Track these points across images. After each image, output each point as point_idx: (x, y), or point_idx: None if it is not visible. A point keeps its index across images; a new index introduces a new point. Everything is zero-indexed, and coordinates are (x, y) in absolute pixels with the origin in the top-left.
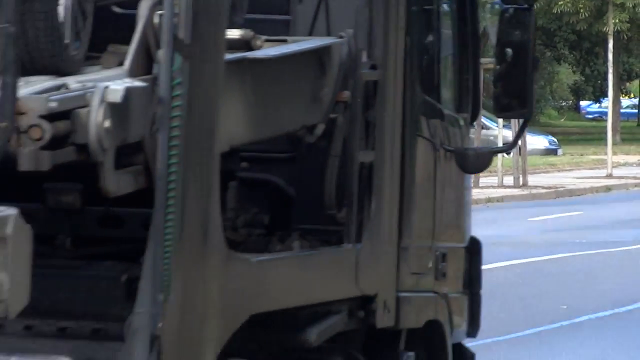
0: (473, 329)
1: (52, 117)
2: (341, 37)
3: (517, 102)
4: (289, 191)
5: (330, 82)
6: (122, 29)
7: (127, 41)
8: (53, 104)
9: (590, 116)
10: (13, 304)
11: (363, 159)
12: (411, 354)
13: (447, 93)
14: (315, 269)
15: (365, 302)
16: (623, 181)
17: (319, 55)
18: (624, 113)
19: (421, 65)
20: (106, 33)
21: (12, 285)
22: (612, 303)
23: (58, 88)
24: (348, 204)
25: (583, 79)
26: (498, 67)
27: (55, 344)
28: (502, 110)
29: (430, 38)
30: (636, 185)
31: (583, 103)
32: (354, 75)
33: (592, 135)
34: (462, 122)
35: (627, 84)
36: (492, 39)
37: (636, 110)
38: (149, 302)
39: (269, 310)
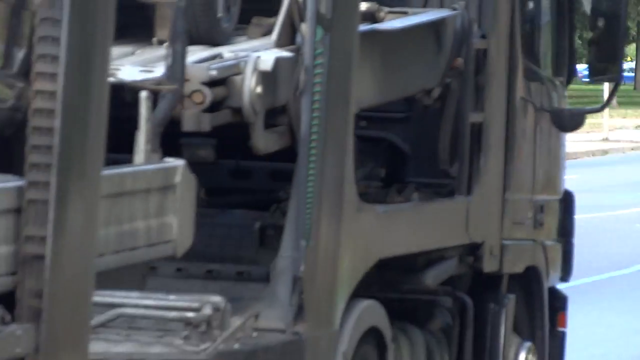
0: (566, 274)
1: (211, 83)
2: (454, 9)
3: (609, 66)
4: (404, 148)
5: (445, 50)
6: (264, 2)
7: (268, 14)
8: (213, 72)
9: (586, 79)
10: (180, 244)
11: (473, 120)
12: (512, 296)
13: (545, 58)
14: (431, 218)
15: (474, 249)
16: (620, 145)
17: (436, 27)
18: None
19: (524, 34)
20: (250, 6)
21: (180, 227)
22: (608, 266)
23: (214, 57)
24: (460, 160)
25: (580, 42)
26: (592, 34)
27: (204, 285)
28: (595, 74)
29: (531, 8)
30: (633, 148)
31: (579, 67)
32: (466, 44)
33: (589, 99)
34: (558, 85)
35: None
36: (587, 8)
37: (633, 74)
38: (292, 248)
39: (393, 255)
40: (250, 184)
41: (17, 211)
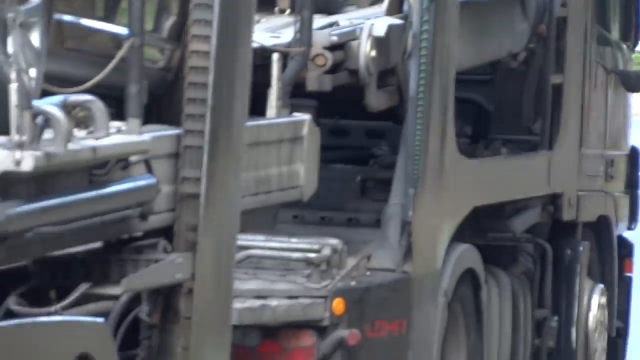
0: (632, 223)
1: (332, 48)
2: None
3: None
4: (488, 107)
5: (530, 18)
6: None
7: None
8: (334, 38)
9: None
10: (306, 190)
11: (554, 81)
12: (586, 243)
13: (614, 24)
14: (518, 171)
15: (554, 199)
16: None
17: None
18: None
19: (596, 2)
20: None
21: (306, 174)
22: None
23: (331, 25)
24: (543, 118)
25: None
26: None
27: (319, 230)
28: None
29: None
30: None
31: None
32: (548, 12)
33: None
34: (625, 49)
35: None
36: None
37: None
38: (401, 195)
39: (486, 204)
40: (347, 141)
41: (175, 156)
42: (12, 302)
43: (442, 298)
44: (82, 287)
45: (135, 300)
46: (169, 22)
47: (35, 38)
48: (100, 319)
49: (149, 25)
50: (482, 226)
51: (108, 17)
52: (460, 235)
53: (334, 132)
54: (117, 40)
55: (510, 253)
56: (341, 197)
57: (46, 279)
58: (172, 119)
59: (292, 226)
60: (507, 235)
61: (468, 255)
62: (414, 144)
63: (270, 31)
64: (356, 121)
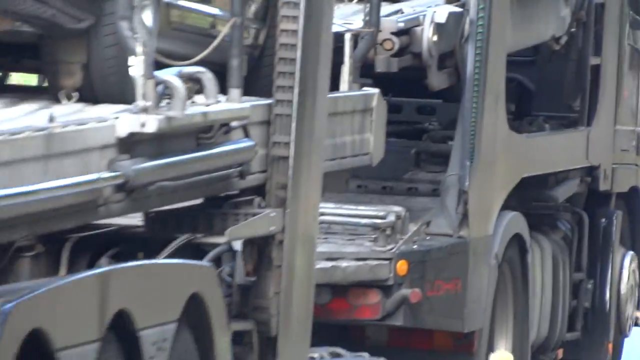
0: None
1: (398, 33)
2: None
3: None
4: (530, 86)
5: (571, 5)
6: None
7: None
8: (401, 24)
9: None
10: (375, 156)
11: (592, 62)
12: (619, 212)
13: None
14: (560, 145)
15: (591, 171)
16: None
17: None
18: None
19: None
20: None
21: (375, 142)
22: None
23: (396, 12)
24: (582, 96)
25: None
26: None
27: (381, 199)
28: None
29: None
30: None
31: None
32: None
33: None
34: None
35: None
36: None
37: None
38: (458, 167)
39: (532, 174)
40: (400, 117)
41: (267, 123)
42: (104, 264)
43: (493, 260)
44: (183, 238)
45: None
46: (255, 4)
47: (148, 18)
48: (208, 263)
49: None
50: (527, 196)
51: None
52: (508, 203)
53: (388, 109)
54: (213, 20)
55: (551, 220)
56: (398, 168)
57: (157, 231)
58: (258, 92)
59: (356, 195)
60: (549, 204)
61: (516, 222)
62: (470, 120)
63: (342, 18)
64: (408, 99)
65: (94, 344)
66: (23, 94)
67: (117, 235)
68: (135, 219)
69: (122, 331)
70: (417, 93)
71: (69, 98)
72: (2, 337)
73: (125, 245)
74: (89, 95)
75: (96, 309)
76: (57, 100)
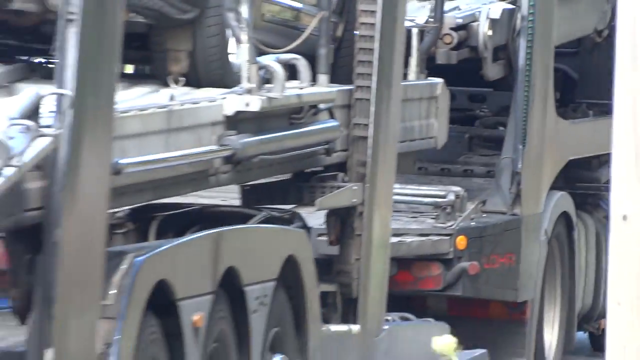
0: None
1: (457, 28)
2: None
3: None
4: (574, 76)
5: (612, 0)
6: None
7: None
8: (459, 20)
9: None
10: (439, 140)
11: None
12: None
13: None
14: (602, 130)
15: None
16: None
17: None
18: None
19: None
20: None
21: (439, 127)
22: None
23: (454, 9)
24: None
25: None
26: None
27: (440, 179)
28: None
29: None
30: None
31: None
32: None
33: None
34: None
35: None
36: None
37: None
38: (512, 150)
39: (577, 157)
40: (453, 104)
41: (349, 106)
42: None
43: (543, 236)
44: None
45: None
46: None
47: (245, 11)
48: (302, 230)
49: (312, 1)
50: (573, 177)
51: None
52: (556, 184)
53: None
54: (297, 13)
55: (595, 200)
56: (452, 152)
57: (253, 201)
58: (335, 80)
59: (417, 176)
60: (593, 185)
61: (563, 201)
62: (522, 108)
63: (407, 14)
64: (460, 87)
65: (209, 295)
66: (128, 79)
67: (200, 213)
68: (216, 199)
69: (230, 286)
70: (469, 82)
71: (176, 82)
72: (134, 285)
73: (206, 223)
74: (194, 79)
75: (210, 265)
76: (165, 85)
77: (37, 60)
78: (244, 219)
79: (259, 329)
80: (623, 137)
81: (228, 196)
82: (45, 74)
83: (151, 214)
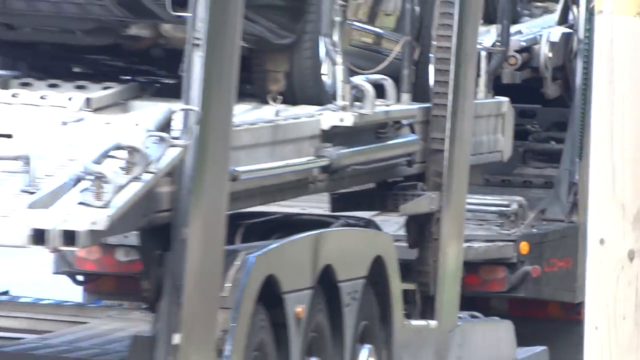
0: None
1: (520, 50)
2: None
3: None
4: None
5: None
6: None
7: None
8: (523, 43)
9: None
10: (505, 154)
11: None
12: None
13: None
14: None
15: None
16: None
17: None
18: None
19: None
20: None
21: (505, 142)
22: None
23: (516, 33)
24: None
25: None
26: None
27: (501, 190)
28: None
29: None
30: None
31: None
32: None
33: None
34: None
35: None
36: None
37: None
38: (569, 163)
39: None
40: None
41: (427, 122)
42: None
43: None
44: (339, 222)
45: None
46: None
47: (337, 36)
48: (389, 233)
49: (390, 26)
50: None
51: (370, 21)
52: None
53: None
54: (377, 38)
55: None
56: (507, 164)
57: (340, 209)
58: (413, 99)
59: (480, 187)
60: None
61: None
62: (579, 123)
63: None
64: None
65: (309, 290)
66: None
67: (281, 221)
68: (295, 208)
69: (327, 282)
70: (519, 98)
71: (275, 100)
72: (248, 280)
73: (288, 229)
74: (290, 97)
75: (311, 263)
76: (265, 102)
77: (144, 79)
78: (322, 226)
79: (350, 322)
80: (600, 161)
81: (306, 205)
82: (154, 93)
83: (237, 221)
